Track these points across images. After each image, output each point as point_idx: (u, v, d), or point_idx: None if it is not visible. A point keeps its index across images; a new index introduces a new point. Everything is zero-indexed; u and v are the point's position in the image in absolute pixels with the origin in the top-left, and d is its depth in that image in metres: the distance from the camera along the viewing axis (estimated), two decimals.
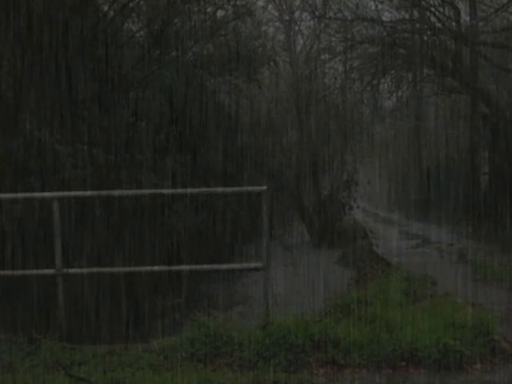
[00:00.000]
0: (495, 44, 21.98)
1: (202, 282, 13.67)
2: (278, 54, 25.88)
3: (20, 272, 8.68)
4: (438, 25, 22.31)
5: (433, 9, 22.92)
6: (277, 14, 27.75)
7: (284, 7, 27.66)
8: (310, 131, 24.46)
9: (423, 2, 22.87)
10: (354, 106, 24.41)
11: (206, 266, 10.75)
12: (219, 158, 16.35)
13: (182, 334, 7.48)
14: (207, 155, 15.89)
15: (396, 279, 11.64)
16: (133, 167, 12.54)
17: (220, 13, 17.70)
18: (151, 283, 11.39)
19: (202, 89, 16.49)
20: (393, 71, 23.79)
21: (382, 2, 22.70)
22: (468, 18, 22.84)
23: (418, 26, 22.81)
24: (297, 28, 28.65)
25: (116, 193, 9.72)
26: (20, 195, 9.07)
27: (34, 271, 8.65)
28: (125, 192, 10.54)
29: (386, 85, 24.61)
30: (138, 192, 11.20)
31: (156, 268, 9.37)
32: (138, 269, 9.70)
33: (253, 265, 9.04)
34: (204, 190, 12.15)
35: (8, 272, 8.49)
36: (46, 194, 8.76)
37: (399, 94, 26.21)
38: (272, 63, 22.57)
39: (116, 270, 9.68)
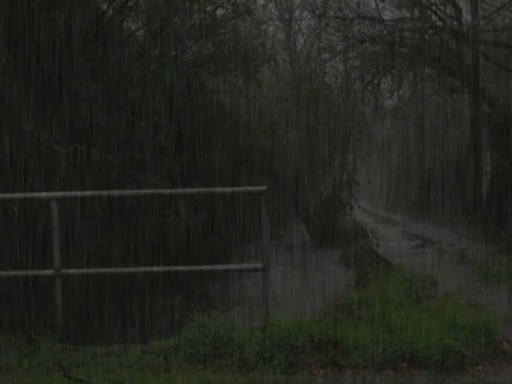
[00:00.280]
0: (497, 43, 21.92)
1: (202, 283, 13.62)
2: (278, 53, 25.86)
3: (19, 272, 8.64)
4: (439, 23, 22.24)
5: (434, 7, 22.85)
6: (277, 13, 27.77)
7: (284, 6, 27.67)
8: (311, 131, 24.40)
9: (424, 1, 22.80)
10: (354, 105, 24.34)
11: (205, 267, 10.68)
12: (219, 157, 16.29)
13: (181, 335, 7.45)
14: (207, 155, 15.84)
15: (397, 279, 11.62)
16: (132, 167, 12.50)
17: (220, 11, 17.65)
18: (151, 283, 11.34)
19: (202, 88, 16.47)
20: (394, 70, 23.69)
21: (382, 1, 22.70)
22: (469, 17, 22.81)
23: (419, 24, 22.71)
24: (297, 27, 28.72)
25: (115, 193, 9.68)
26: (18, 195, 9.02)
27: (33, 272, 8.62)
28: (124, 192, 10.49)
29: (386, 84, 24.53)
30: (138, 192, 11.16)
31: (155, 268, 9.32)
32: (137, 269, 9.65)
33: (252, 265, 9.00)
34: (204, 190, 12.12)
35: (6, 272, 8.45)
36: (45, 194, 8.72)
37: (400, 93, 26.18)
38: (272, 62, 22.51)
39: (115, 270, 9.64)
